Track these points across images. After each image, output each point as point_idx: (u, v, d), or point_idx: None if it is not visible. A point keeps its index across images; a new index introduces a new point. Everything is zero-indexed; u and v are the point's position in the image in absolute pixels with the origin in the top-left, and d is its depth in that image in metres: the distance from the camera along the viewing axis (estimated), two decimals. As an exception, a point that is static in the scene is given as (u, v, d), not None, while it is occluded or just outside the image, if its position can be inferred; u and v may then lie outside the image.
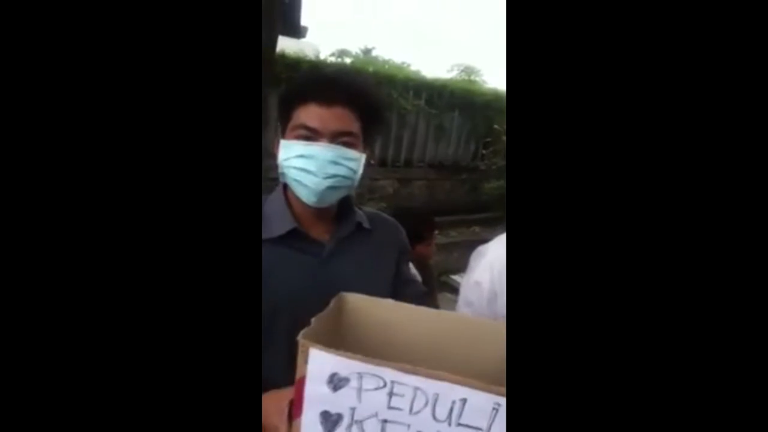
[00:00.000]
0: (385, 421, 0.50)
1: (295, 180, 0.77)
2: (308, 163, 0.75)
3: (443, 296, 3.39)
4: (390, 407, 0.49)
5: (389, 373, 0.49)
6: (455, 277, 4.13)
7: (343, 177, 0.76)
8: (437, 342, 0.64)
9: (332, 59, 4.46)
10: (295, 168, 0.76)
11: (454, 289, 3.94)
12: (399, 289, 0.87)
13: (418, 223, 1.90)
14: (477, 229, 4.73)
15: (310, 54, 4.82)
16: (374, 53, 4.83)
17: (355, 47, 4.66)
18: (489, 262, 1.30)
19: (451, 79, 5.39)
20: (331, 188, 0.76)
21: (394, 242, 0.92)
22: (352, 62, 4.49)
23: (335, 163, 0.75)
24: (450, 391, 0.48)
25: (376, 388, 0.49)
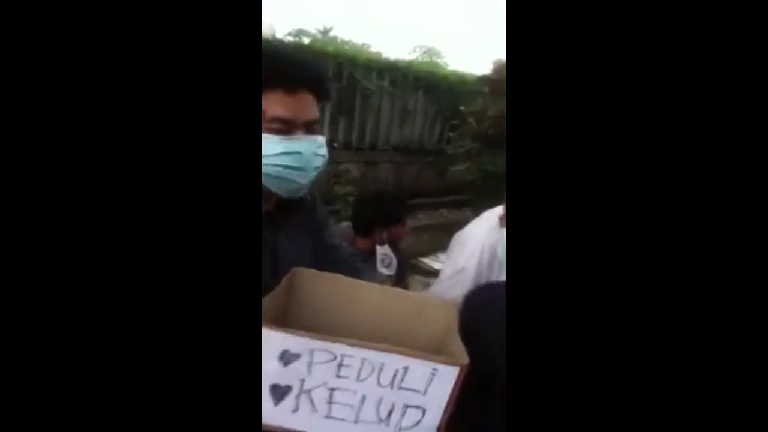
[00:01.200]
0: (332, 389, 0.54)
1: (278, 177, 0.73)
2: (294, 160, 0.73)
3: (413, 279, 3.34)
4: (338, 376, 0.54)
5: (339, 348, 0.53)
6: (425, 260, 4.10)
7: (322, 166, 0.78)
8: (384, 316, 0.68)
9: (289, 39, 4.25)
10: (277, 165, 0.72)
11: (425, 272, 3.92)
12: (321, 257, 0.88)
13: (391, 206, 1.88)
14: (445, 211, 4.69)
15: (266, 33, 4.58)
16: (333, 33, 4.62)
17: (312, 27, 4.44)
18: (476, 250, 1.26)
19: (413, 61, 5.28)
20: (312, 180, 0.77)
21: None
22: (310, 42, 4.28)
23: (317, 154, 0.76)
24: (394, 361, 0.53)
25: (327, 361, 0.53)
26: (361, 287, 0.71)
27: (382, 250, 1.79)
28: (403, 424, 0.55)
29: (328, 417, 0.55)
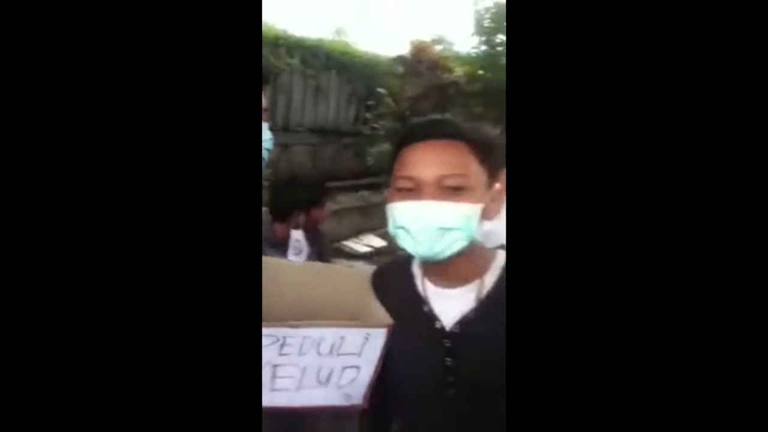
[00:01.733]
0: (276, 365, 0.60)
1: None
2: None
3: (338, 262, 3.24)
4: (281, 354, 0.60)
5: (281, 331, 0.58)
6: (348, 243, 4.01)
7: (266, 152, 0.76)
8: (315, 291, 0.71)
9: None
10: None
11: (348, 255, 3.84)
12: None
13: (307, 189, 1.79)
14: (365, 194, 4.62)
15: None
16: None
17: None
18: None
19: (324, 39, 5.09)
20: None
21: None
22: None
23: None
24: (331, 333, 0.60)
25: (271, 344, 0.58)
26: (283, 266, 0.75)
27: (295, 236, 1.68)
28: (341, 382, 0.63)
29: (272, 390, 0.61)
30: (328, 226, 2.20)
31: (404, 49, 4.73)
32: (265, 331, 0.57)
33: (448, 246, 0.58)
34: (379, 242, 3.98)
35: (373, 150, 4.61)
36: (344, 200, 4.30)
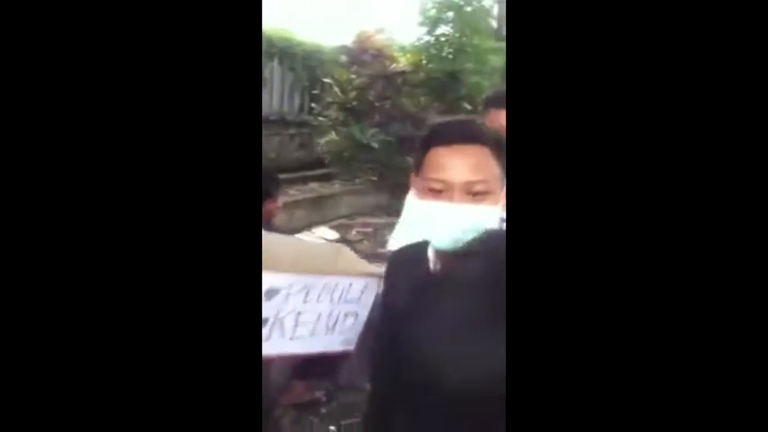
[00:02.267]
0: (299, 313, 0.69)
1: None
2: None
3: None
4: (304, 302, 0.69)
5: (309, 278, 0.68)
6: (300, 237, 3.94)
7: None
8: (305, 257, 0.79)
9: None
10: None
11: (303, 250, 3.76)
12: None
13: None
14: (315, 185, 4.55)
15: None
16: None
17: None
18: None
19: (264, 27, 4.91)
20: None
21: None
22: None
23: None
24: (344, 281, 0.70)
25: (298, 291, 0.67)
26: (275, 239, 0.84)
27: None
28: (343, 328, 0.73)
29: (291, 338, 0.70)
30: (279, 220, 2.15)
31: (348, 39, 4.67)
32: (296, 278, 0.67)
33: (467, 242, 0.64)
34: (332, 234, 3.94)
35: (322, 140, 4.54)
36: (294, 193, 4.21)
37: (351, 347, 0.77)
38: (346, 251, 0.82)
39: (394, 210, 4.62)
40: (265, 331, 0.68)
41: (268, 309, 0.66)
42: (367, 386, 0.76)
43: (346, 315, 0.74)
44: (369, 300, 0.74)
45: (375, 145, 4.16)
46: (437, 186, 0.64)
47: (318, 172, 4.69)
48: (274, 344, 0.69)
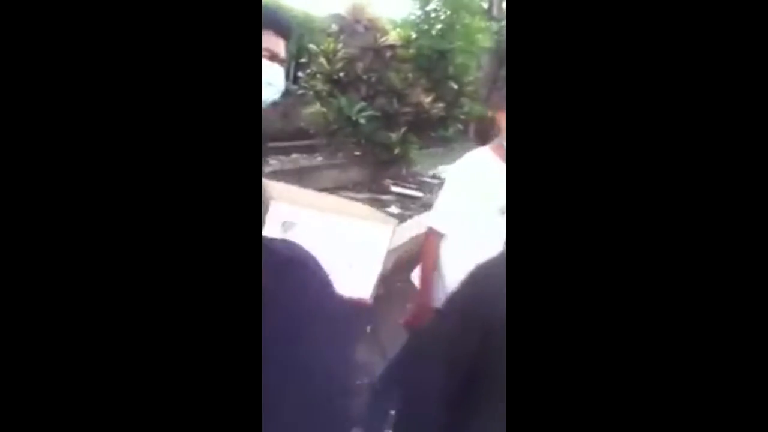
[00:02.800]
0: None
1: None
2: None
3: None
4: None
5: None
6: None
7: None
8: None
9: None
10: None
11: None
12: None
13: None
14: (296, 155, 4.51)
15: None
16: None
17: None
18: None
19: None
20: None
21: None
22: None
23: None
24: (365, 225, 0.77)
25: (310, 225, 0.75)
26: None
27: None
28: (358, 273, 0.79)
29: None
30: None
31: (341, 8, 4.57)
32: (308, 212, 0.72)
33: None
34: (312, 206, 3.94)
35: (306, 111, 4.48)
36: (275, 163, 4.17)
37: (367, 297, 0.78)
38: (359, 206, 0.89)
39: (375, 186, 4.63)
40: None
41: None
42: None
43: (360, 259, 0.77)
44: (384, 249, 0.78)
45: (362, 120, 4.13)
46: None
47: (302, 143, 4.65)
48: None
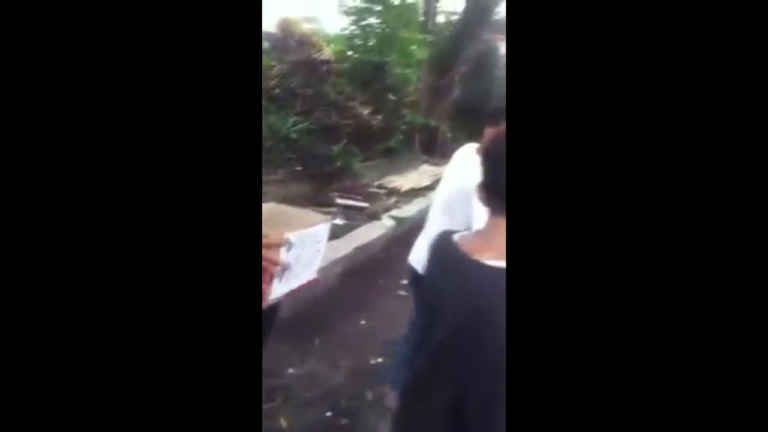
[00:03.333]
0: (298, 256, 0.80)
1: None
2: None
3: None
4: (317, 251, 0.87)
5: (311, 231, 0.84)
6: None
7: None
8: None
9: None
10: None
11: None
12: None
13: None
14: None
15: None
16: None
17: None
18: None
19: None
20: None
21: None
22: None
23: None
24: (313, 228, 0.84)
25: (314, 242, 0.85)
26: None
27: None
28: (315, 264, 0.89)
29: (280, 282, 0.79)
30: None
31: (271, 26, 4.57)
32: (305, 232, 0.79)
33: None
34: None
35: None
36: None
37: (315, 276, 0.91)
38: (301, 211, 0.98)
39: (320, 199, 4.59)
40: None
41: (286, 257, 0.79)
42: None
43: (317, 252, 0.90)
44: (326, 239, 0.91)
45: (294, 135, 4.10)
46: None
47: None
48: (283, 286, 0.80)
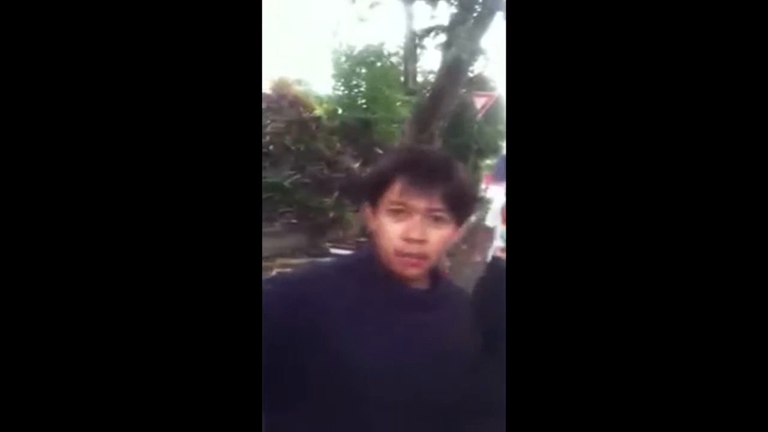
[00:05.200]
0: None
1: None
2: None
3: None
4: None
5: None
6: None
7: None
8: None
9: None
10: None
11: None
12: None
13: None
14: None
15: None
16: None
17: None
18: None
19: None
20: None
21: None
22: None
23: None
24: None
25: None
26: None
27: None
28: None
29: None
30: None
31: (265, 86, 4.86)
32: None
33: None
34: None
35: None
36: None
37: None
38: None
39: (314, 251, 4.68)
40: None
41: None
42: None
43: None
44: None
45: (287, 185, 4.27)
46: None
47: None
48: None
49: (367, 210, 0.68)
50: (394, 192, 0.63)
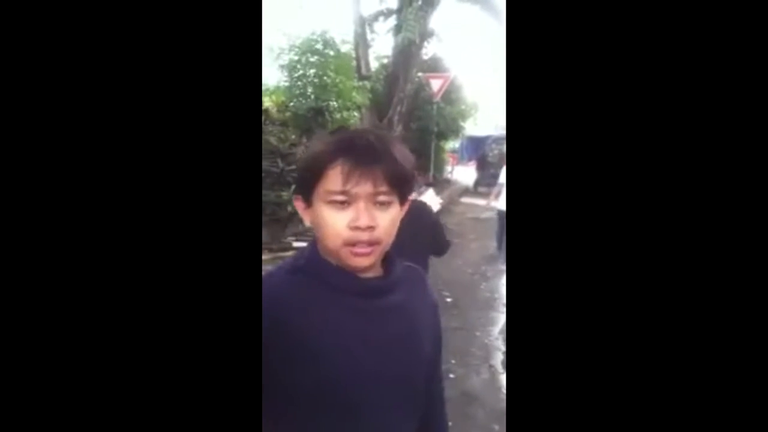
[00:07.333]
0: None
1: None
2: None
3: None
4: None
5: None
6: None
7: None
8: None
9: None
10: None
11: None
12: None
13: None
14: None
15: None
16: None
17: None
18: None
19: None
20: None
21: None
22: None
23: None
24: None
25: None
26: None
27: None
28: None
29: None
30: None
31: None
32: None
33: None
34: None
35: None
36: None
37: None
38: None
39: (276, 246, 4.61)
40: None
41: None
42: None
43: None
44: None
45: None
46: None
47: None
48: None
49: (300, 203, 0.63)
50: (331, 181, 0.57)
